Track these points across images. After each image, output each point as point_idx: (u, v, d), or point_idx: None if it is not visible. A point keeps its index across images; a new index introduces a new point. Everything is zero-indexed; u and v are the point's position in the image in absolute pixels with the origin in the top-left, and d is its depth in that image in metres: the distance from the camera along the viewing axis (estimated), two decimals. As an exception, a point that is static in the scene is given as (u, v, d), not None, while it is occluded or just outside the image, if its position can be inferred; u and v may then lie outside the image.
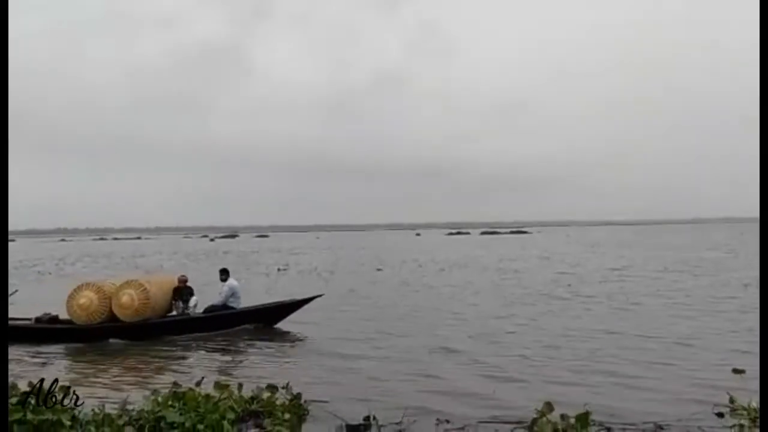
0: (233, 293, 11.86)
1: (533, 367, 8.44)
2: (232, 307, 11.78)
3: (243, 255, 46.68)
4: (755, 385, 5.81)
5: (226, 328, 11.44)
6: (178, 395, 5.63)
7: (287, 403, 5.90)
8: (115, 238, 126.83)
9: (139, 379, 8.30)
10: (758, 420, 5.49)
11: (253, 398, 5.91)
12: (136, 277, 11.43)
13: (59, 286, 23.49)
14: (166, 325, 11.31)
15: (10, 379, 5.62)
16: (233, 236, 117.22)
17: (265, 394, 5.96)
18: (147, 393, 5.83)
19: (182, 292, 11.74)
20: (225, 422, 5.30)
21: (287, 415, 5.67)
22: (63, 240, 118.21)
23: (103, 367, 9.09)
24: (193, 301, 11.67)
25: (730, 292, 16.26)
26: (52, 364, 9.39)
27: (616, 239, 65.89)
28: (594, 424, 5.31)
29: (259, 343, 10.58)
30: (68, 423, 5.14)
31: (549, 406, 5.47)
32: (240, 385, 6.04)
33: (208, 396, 5.66)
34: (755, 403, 5.69)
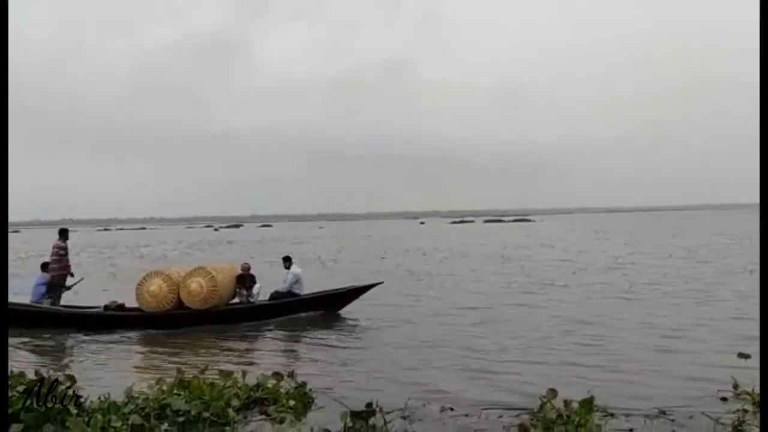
0: (297, 280, 12.08)
1: (537, 354, 8.45)
2: (297, 294, 11.99)
3: (247, 244, 46.78)
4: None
5: (290, 315, 11.62)
6: (183, 383, 5.66)
7: (292, 390, 5.92)
8: (120, 229, 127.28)
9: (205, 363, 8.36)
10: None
11: (258, 386, 5.93)
12: (203, 265, 11.57)
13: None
14: (232, 312, 11.49)
15: (17, 369, 5.65)
16: (237, 226, 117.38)
17: (270, 382, 5.99)
18: (152, 381, 5.86)
19: (245, 279, 11.91)
20: (230, 409, 5.34)
21: (292, 402, 5.70)
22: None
23: (170, 352, 9.26)
24: (256, 288, 11.87)
25: (735, 278, 16.23)
26: (120, 350, 9.59)
27: (620, 226, 65.73)
28: (598, 410, 5.30)
29: (320, 330, 10.71)
30: (74, 411, 5.18)
31: (553, 392, 5.47)
32: (244, 373, 6.07)
33: (212, 384, 5.69)
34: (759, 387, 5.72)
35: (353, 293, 12.37)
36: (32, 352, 9.63)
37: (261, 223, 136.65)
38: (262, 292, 11.93)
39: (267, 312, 11.60)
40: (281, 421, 5.40)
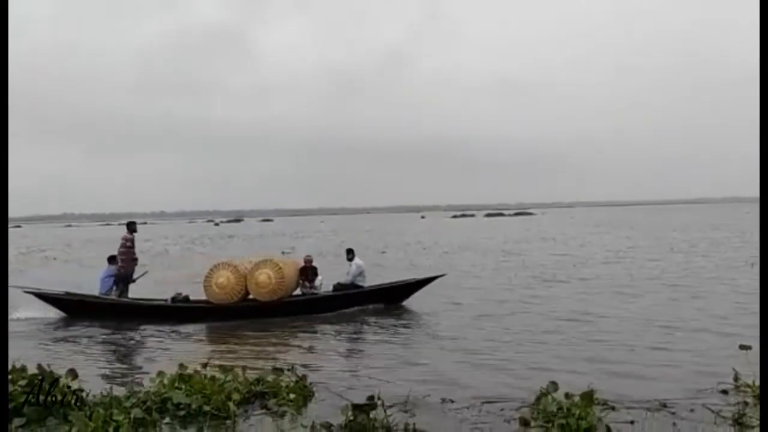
0: (361, 272, 12.21)
1: (537, 347, 8.46)
2: (360, 286, 12.14)
3: (248, 239, 46.82)
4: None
5: (354, 307, 11.71)
6: (183, 377, 5.68)
7: (292, 384, 5.94)
8: (120, 224, 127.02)
9: (276, 355, 8.43)
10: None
11: (258, 380, 5.95)
12: (270, 257, 11.71)
13: (68, 269, 23.69)
14: (298, 303, 11.65)
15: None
16: (238, 220, 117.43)
17: (270, 377, 6.02)
18: (152, 375, 5.88)
19: (308, 271, 12.03)
20: (230, 403, 5.35)
21: (292, 396, 5.72)
22: (69, 225, 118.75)
23: (239, 343, 9.39)
24: (318, 280, 12.06)
25: (735, 272, 16.22)
26: (188, 341, 9.75)
27: (621, 219, 65.68)
28: (598, 403, 5.31)
29: (383, 321, 10.80)
30: (76, 405, 5.20)
31: (554, 385, 5.48)
32: (244, 368, 6.09)
33: (213, 378, 5.71)
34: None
35: (415, 285, 12.48)
36: (102, 343, 9.81)
37: (262, 218, 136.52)
38: (324, 284, 12.15)
39: (331, 304, 11.73)
40: (282, 415, 5.42)
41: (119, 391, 5.63)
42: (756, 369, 5.57)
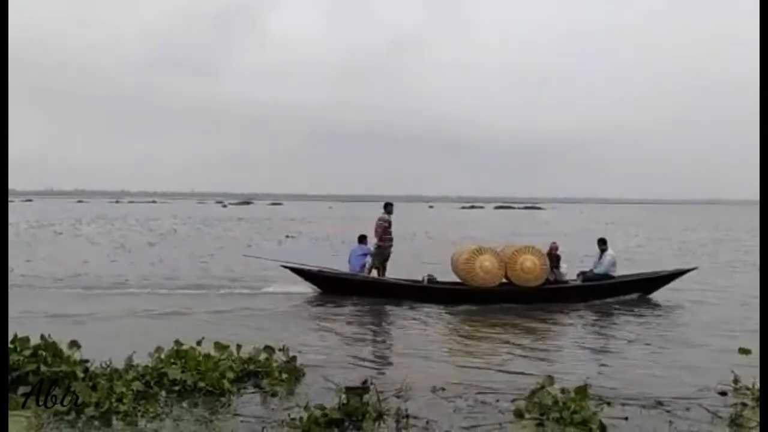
0: (614, 263, 12.05)
1: (535, 342, 8.49)
2: (611, 277, 11.94)
3: (256, 221, 46.95)
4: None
5: (610, 297, 11.58)
6: (180, 353, 5.72)
7: (283, 364, 5.99)
8: (131, 201, 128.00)
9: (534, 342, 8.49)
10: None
11: (251, 359, 6.00)
12: (532, 244, 11.67)
13: (74, 244, 23.88)
14: (558, 291, 11.54)
15: (21, 332, 5.72)
16: (247, 203, 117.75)
17: (262, 356, 6.06)
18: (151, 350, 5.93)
19: (554, 259, 11.87)
20: (225, 381, 5.41)
21: (284, 376, 5.78)
22: (80, 201, 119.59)
23: (500, 327, 9.46)
24: (564, 268, 11.93)
25: (739, 275, 16.11)
26: (446, 321, 10.01)
27: (630, 217, 65.29)
28: (593, 398, 5.31)
29: (636, 310, 10.81)
30: (81, 375, 5.27)
31: (550, 379, 5.49)
32: (239, 346, 6.12)
33: (208, 355, 5.75)
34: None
35: (668, 278, 12.25)
36: (363, 314, 10.34)
37: (271, 201, 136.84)
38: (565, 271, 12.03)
39: (588, 293, 11.59)
40: (274, 395, 5.47)
41: (119, 364, 5.68)
42: (756, 372, 5.56)
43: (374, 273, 12.22)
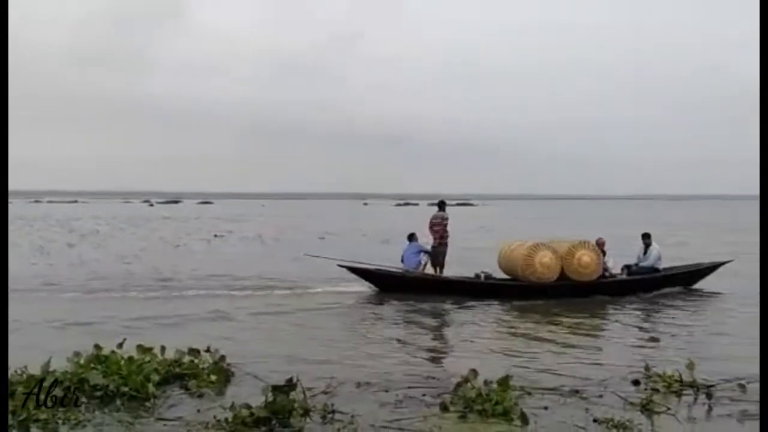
0: (659, 256, 12.36)
1: (461, 341, 8.72)
2: (658, 270, 12.29)
3: (184, 221, 45.70)
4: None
5: (655, 289, 11.98)
6: (100, 358, 5.57)
7: (211, 366, 5.93)
8: (50, 201, 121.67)
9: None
10: (673, 385, 5.91)
11: (176, 361, 5.91)
12: (587, 240, 11.94)
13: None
14: (610, 285, 11.86)
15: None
16: (176, 202, 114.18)
17: (187, 358, 5.98)
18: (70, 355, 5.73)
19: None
20: (150, 384, 5.29)
21: (213, 377, 5.71)
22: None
23: (558, 321, 9.83)
24: (611, 262, 12.16)
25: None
26: (510, 315, 10.40)
27: (556, 212, 67.53)
28: (515, 389, 5.52)
29: (682, 304, 11.25)
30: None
31: (474, 373, 5.64)
32: (163, 348, 6.00)
33: (131, 358, 5.61)
34: (670, 371, 6.10)
35: (708, 270, 12.71)
36: (426, 315, 10.30)
37: (201, 200, 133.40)
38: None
39: (637, 286, 11.98)
40: (200, 396, 5.40)
41: (35, 371, 5.44)
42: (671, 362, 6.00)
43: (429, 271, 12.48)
